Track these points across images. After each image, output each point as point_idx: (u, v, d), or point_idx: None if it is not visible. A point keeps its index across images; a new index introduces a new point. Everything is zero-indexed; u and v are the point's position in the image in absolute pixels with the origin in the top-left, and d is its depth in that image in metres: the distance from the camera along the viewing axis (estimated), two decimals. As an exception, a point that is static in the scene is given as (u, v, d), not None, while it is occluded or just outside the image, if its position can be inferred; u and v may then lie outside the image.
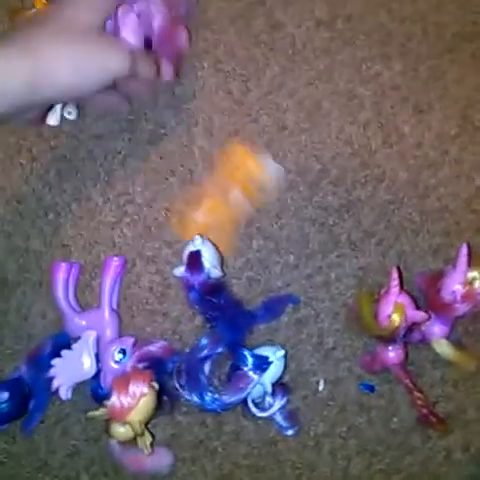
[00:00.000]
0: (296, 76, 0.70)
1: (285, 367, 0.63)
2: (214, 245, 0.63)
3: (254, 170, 0.66)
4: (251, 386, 0.60)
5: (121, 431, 0.58)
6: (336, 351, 0.66)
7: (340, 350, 0.66)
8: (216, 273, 0.63)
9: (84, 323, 0.63)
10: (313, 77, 0.70)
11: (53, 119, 0.68)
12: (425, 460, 0.65)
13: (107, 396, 0.58)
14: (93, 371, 0.61)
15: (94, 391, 0.62)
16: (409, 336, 0.61)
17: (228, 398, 0.60)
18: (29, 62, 0.50)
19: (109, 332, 0.63)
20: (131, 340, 0.62)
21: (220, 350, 0.63)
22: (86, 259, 0.67)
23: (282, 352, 0.61)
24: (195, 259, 0.61)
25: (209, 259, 0.62)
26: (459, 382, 0.65)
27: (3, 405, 0.61)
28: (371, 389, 0.65)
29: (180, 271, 0.62)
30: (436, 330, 0.61)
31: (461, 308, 0.59)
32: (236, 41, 0.71)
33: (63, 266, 0.65)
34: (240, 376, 0.61)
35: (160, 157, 0.69)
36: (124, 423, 0.58)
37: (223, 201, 0.66)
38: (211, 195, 0.66)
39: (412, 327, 0.60)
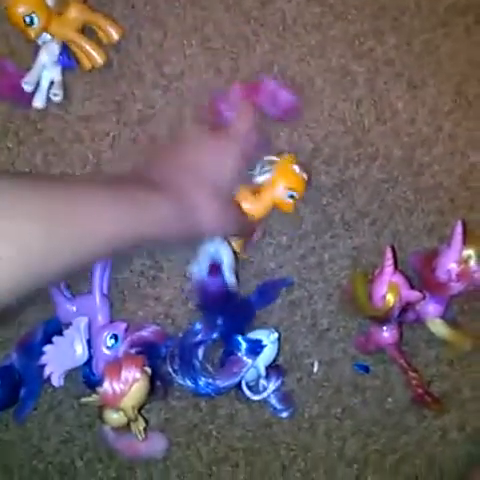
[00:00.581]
0: (287, 53, 0.68)
1: (279, 349, 0.62)
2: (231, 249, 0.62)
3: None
4: (245, 370, 0.60)
5: (114, 417, 0.58)
6: (330, 332, 0.65)
7: (334, 331, 0.65)
8: (232, 282, 0.62)
9: (75, 309, 0.62)
10: (304, 53, 0.68)
11: (39, 101, 0.66)
12: (421, 440, 0.65)
13: (99, 382, 0.57)
14: (85, 357, 0.60)
15: (86, 377, 0.62)
16: (403, 316, 0.60)
17: (222, 382, 0.60)
18: (190, 218, 0.52)
19: (100, 317, 0.62)
20: (123, 325, 0.61)
21: (214, 336, 0.62)
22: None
23: (275, 335, 0.61)
24: (216, 269, 0.61)
25: (227, 265, 0.61)
26: (454, 361, 0.65)
27: (-7, 393, 0.60)
28: (366, 369, 0.64)
29: (197, 270, 0.62)
30: (431, 309, 0.61)
31: (456, 287, 0.59)
32: (225, 18, 0.69)
33: None
34: (234, 361, 0.60)
35: (149, 138, 0.67)
36: (117, 409, 0.57)
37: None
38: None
39: (406, 307, 0.59)
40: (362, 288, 0.60)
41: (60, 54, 0.65)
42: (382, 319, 0.59)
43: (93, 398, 0.57)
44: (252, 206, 0.62)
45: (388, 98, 0.68)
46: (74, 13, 0.64)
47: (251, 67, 0.68)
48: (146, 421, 0.60)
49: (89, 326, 0.61)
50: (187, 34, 0.68)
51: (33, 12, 0.62)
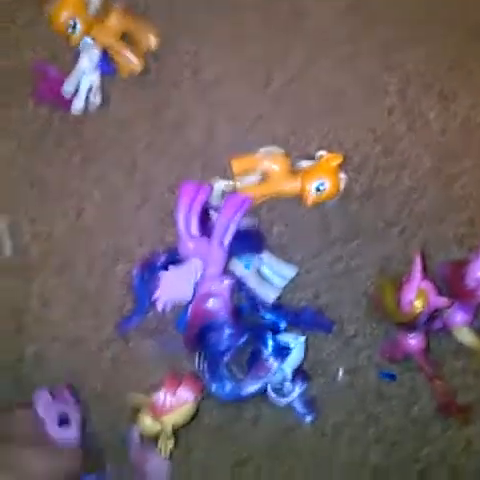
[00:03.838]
0: (320, 63, 0.70)
1: (304, 354, 0.63)
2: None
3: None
4: (271, 374, 0.60)
5: (148, 424, 0.58)
6: (356, 339, 0.65)
7: (361, 338, 0.65)
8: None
9: (192, 247, 0.62)
10: (337, 63, 0.70)
11: (78, 105, 0.69)
12: (444, 450, 0.64)
13: None
14: (190, 297, 0.61)
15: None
16: (431, 324, 0.60)
17: (248, 386, 0.60)
18: None
19: (213, 267, 0.62)
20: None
21: (242, 340, 0.62)
22: (109, 242, 0.68)
23: (303, 338, 0.61)
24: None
25: None
26: (480, 372, 0.65)
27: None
28: (392, 377, 0.64)
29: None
30: (458, 318, 0.61)
31: (485, 295, 0.59)
32: (261, 28, 0.71)
33: (190, 187, 0.62)
34: (260, 364, 0.61)
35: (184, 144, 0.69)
36: (157, 419, 0.58)
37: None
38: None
39: (434, 314, 0.59)
40: (390, 294, 0.60)
41: (100, 60, 0.68)
42: (409, 325, 0.59)
43: (141, 398, 0.58)
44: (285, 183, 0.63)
45: (419, 108, 0.69)
46: (115, 21, 0.67)
47: (285, 77, 0.70)
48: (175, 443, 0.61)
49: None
50: (223, 44, 0.70)
51: (76, 18, 0.64)
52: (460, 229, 0.67)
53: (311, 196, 0.63)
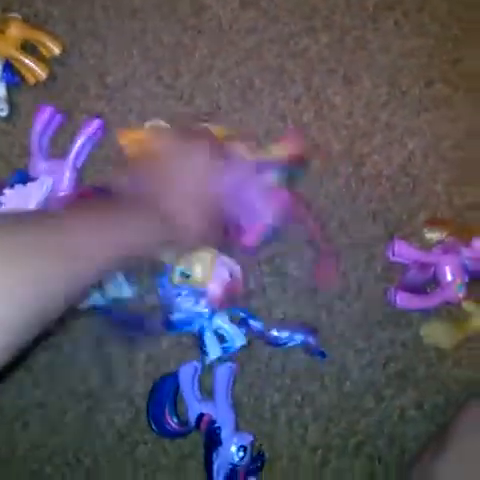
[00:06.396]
0: (225, 56, 0.71)
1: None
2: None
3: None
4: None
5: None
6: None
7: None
8: None
9: (44, 167, 0.65)
10: (242, 56, 0.71)
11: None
12: (380, 421, 0.66)
13: None
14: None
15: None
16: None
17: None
18: (168, 224, 0.52)
19: (64, 183, 0.65)
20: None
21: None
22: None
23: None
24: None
25: None
26: (407, 342, 0.67)
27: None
28: (322, 355, 0.66)
29: None
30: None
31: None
32: (163, 27, 0.71)
33: (48, 109, 0.67)
34: None
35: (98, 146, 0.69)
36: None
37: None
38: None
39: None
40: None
41: (3, 71, 0.67)
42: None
43: None
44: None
45: (325, 94, 0.70)
46: (14, 31, 0.67)
47: (191, 73, 0.71)
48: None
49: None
50: (127, 45, 0.71)
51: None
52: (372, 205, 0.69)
53: None
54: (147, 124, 0.66)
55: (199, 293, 0.63)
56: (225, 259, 0.63)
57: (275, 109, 0.70)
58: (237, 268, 0.64)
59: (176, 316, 0.63)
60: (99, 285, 0.61)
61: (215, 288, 0.62)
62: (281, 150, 0.64)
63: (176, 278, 0.62)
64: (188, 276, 0.61)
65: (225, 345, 0.64)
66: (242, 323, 0.65)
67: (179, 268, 0.61)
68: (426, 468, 0.59)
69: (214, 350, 0.63)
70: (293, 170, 0.65)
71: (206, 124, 0.64)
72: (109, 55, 0.71)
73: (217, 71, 0.71)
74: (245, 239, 0.64)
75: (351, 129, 0.70)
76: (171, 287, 0.62)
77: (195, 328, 0.63)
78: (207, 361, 0.64)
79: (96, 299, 0.62)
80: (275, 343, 0.65)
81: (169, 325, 0.63)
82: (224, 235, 0.62)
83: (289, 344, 0.65)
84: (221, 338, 0.64)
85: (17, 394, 0.64)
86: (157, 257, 0.62)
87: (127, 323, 0.63)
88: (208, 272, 0.62)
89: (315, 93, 0.70)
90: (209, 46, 0.71)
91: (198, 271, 0.61)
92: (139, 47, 0.71)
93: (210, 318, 0.63)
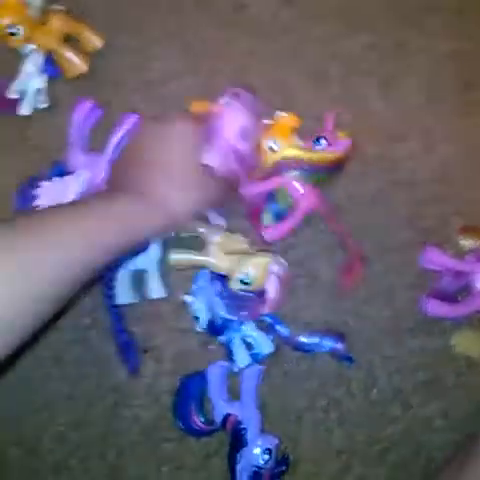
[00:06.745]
0: (262, 55, 0.71)
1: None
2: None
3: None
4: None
5: None
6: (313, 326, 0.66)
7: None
8: None
9: (82, 161, 0.65)
10: (280, 55, 0.71)
11: (25, 109, 0.68)
12: (406, 429, 0.65)
13: None
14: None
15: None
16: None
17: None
18: (161, 210, 0.54)
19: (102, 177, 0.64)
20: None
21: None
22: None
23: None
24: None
25: None
26: (437, 352, 0.66)
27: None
28: (350, 360, 0.65)
29: None
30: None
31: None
32: (203, 23, 0.71)
33: (88, 103, 0.67)
34: None
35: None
36: None
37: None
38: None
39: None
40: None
41: (44, 64, 0.68)
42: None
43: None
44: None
45: (363, 96, 0.70)
46: (56, 23, 0.67)
47: (230, 70, 0.70)
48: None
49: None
50: (167, 40, 0.71)
51: (17, 23, 0.64)
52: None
53: (265, 154, 0.63)
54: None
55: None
56: (276, 259, 0.64)
57: (311, 109, 0.70)
58: (285, 265, 0.64)
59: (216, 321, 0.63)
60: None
61: (272, 290, 0.62)
62: (329, 153, 0.63)
63: (236, 286, 0.62)
64: (247, 283, 0.61)
65: (253, 352, 0.64)
66: (269, 329, 0.64)
67: (238, 276, 0.61)
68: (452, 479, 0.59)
69: (243, 358, 0.63)
70: (327, 172, 0.65)
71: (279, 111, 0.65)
72: (148, 50, 0.70)
73: (255, 69, 0.70)
74: (267, 234, 0.65)
75: (387, 132, 0.69)
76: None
77: (225, 337, 0.64)
78: (235, 368, 0.64)
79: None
80: (302, 349, 0.65)
81: (212, 329, 0.64)
82: (228, 192, 0.62)
83: (316, 350, 0.64)
84: (248, 345, 0.64)
85: (45, 386, 0.64)
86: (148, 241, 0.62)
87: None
88: (264, 276, 0.62)
89: (353, 95, 0.70)
90: (247, 44, 0.71)
91: (257, 277, 0.62)
92: (178, 43, 0.71)
93: (238, 326, 0.63)
